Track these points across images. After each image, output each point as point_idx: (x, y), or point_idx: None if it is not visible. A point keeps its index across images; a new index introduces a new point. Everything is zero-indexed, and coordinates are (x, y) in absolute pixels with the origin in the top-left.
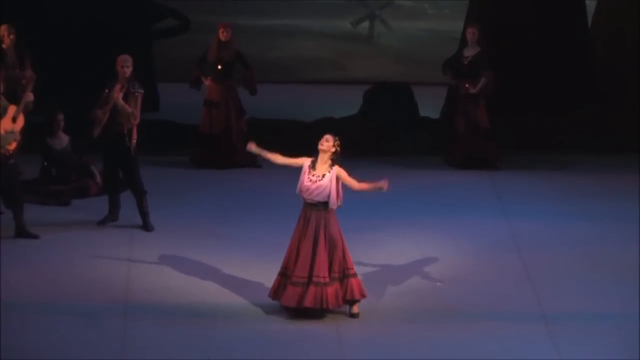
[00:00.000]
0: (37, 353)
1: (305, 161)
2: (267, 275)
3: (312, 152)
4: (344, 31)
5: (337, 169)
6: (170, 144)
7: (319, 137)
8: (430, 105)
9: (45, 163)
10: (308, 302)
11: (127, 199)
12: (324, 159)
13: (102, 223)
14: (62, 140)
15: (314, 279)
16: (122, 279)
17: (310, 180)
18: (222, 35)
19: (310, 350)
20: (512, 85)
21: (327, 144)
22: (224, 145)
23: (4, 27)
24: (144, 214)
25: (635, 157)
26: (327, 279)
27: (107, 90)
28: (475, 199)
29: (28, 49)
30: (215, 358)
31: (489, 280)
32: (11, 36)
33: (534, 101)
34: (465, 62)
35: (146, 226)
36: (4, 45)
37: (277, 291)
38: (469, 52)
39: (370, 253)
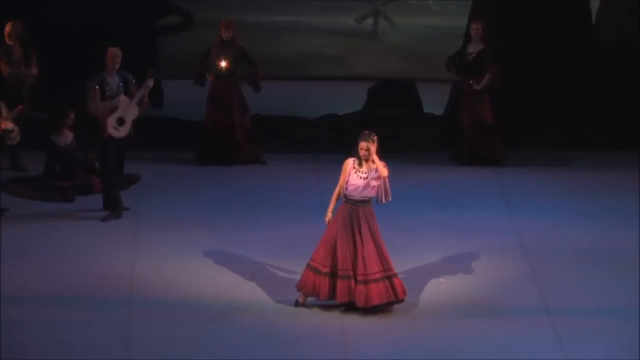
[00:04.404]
0: (39, 349)
1: (349, 161)
2: (271, 271)
3: (315, 148)
4: (348, 28)
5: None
6: (174, 140)
7: (323, 134)
8: (434, 101)
9: (50, 159)
10: (402, 294)
11: (129, 195)
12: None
13: (106, 219)
14: (67, 137)
15: (387, 273)
16: (127, 274)
17: (360, 178)
18: (224, 34)
19: (315, 346)
20: (516, 82)
21: (367, 152)
22: (228, 142)
23: (10, 24)
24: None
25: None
26: (394, 271)
27: (97, 87)
28: (480, 196)
29: (34, 46)
30: (219, 354)
31: (493, 276)
32: (17, 33)
33: (538, 97)
34: (470, 59)
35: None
36: (9, 43)
37: (348, 294)
38: (473, 48)
39: None
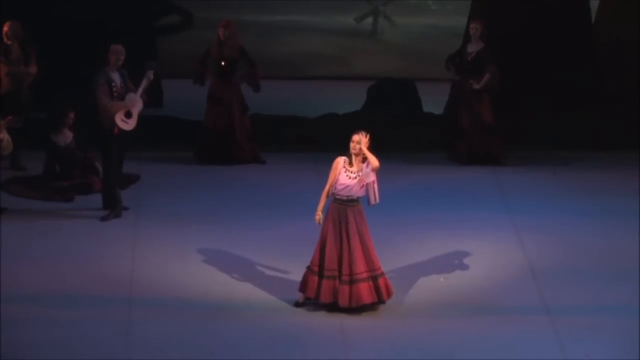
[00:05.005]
0: (38, 348)
1: (339, 160)
2: (271, 270)
3: (315, 147)
4: (347, 27)
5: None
6: (174, 139)
7: (322, 133)
8: (434, 101)
9: (50, 159)
10: (386, 295)
11: (129, 194)
12: (358, 158)
13: (106, 219)
14: (67, 136)
15: (376, 273)
16: (126, 273)
17: (350, 177)
18: (222, 34)
19: (315, 345)
20: (516, 82)
21: (359, 146)
22: (227, 142)
23: (8, 23)
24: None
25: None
26: (381, 270)
27: (104, 84)
28: (479, 195)
29: (34, 45)
30: (219, 353)
31: (492, 275)
32: (16, 33)
33: (537, 97)
34: (469, 58)
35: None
36: (8, 42)
37: (333, 295)
38: (473, 47)
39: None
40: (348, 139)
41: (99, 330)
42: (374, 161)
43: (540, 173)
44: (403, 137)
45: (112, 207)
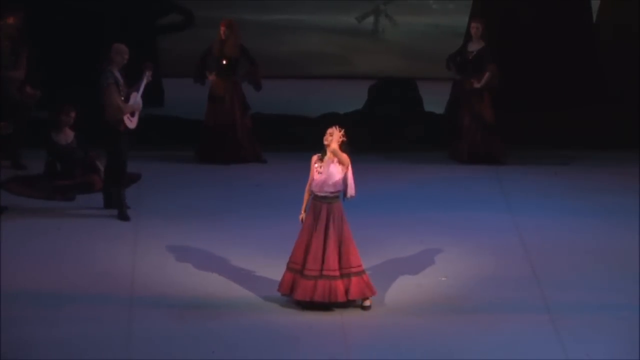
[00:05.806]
0: (39, 347)
1: (314, 157)
2: (271, 269)
3: (317, 147)
4: (349, 26)
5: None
6: (175, 139)
7: (324, 132)
8: (435, 100)
9: (50, 158)
10: (317, 296)
11: (130, 194)
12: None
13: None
14: (68, 135)
15: (325, 272)
16: (127, 272)
17: (319, 173)
18: (223, 33)
19: (315, 344)
20: (517, 81)
21: (331, 138)
22: (228, 141)
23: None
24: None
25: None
26: (337, 273)
27: (113, 84)
28: (480, 194)
29: (26, 47)
30: (219, 352)
31: (493, 274)
32: (8, 34)
33: (539, 96)
34: (470, 57)
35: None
36: None
37: (290, 287)
38: (474, 46)
39: (375, 248)
40: (349, 138)
41: (100, 329)
42: (333, 145)
43: (541, 172)
44: (404, 136)
45: (119, 206)
